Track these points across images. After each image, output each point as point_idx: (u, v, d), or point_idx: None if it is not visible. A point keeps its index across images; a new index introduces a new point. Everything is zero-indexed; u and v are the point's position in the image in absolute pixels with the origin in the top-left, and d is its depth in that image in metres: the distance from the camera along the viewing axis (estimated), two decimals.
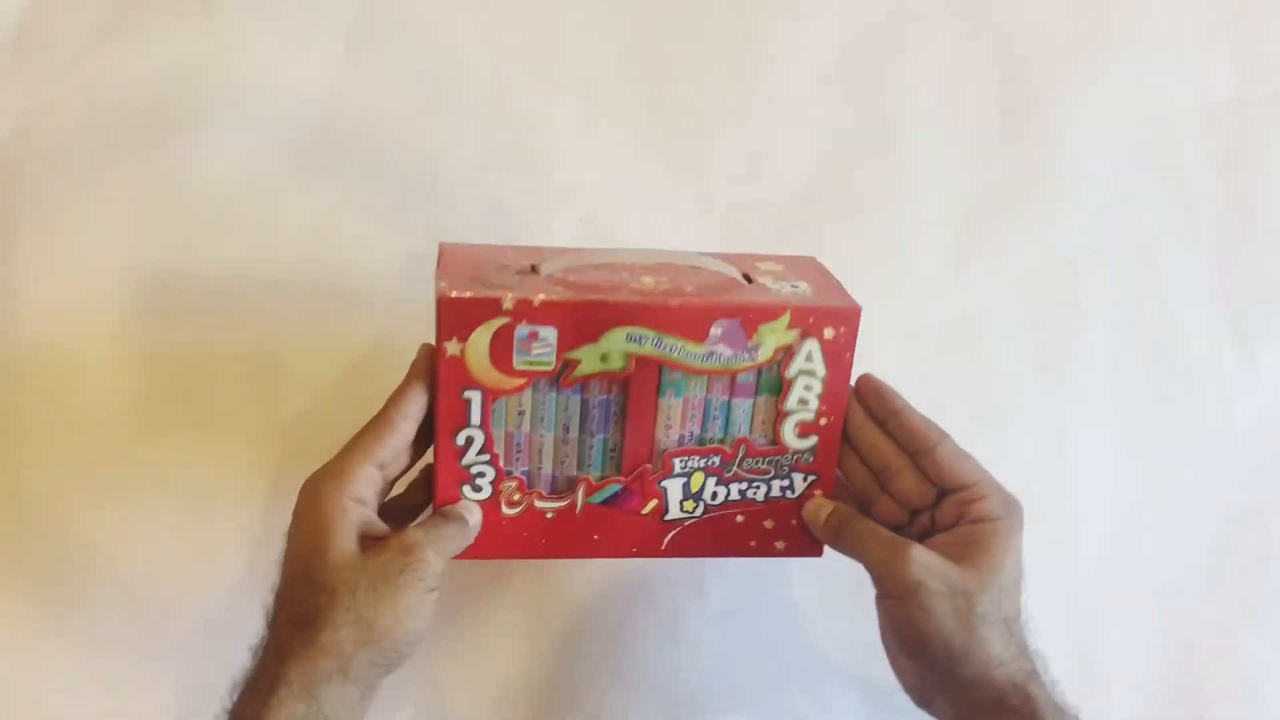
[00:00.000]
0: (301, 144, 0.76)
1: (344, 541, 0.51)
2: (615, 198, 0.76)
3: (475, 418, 0.56)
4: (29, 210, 0.73)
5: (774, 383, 0.59)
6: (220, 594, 0.66)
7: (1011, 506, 0.55)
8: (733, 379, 0.59)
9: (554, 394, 0.58)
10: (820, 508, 0.59)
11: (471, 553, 0.57)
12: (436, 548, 0.53)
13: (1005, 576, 0.53)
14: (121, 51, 0.77)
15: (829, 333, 0.58)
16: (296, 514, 0.54)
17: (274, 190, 0.74)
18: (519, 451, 0.58)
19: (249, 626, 0.65)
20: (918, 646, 0.54)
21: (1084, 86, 0.83)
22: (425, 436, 0.57)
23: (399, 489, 0.60)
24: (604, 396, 0.58)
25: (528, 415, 0.58)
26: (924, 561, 0.53)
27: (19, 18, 0.77)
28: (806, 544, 0.61)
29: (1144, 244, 0.80)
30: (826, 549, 0.60)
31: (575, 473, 0.59)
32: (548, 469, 0.59)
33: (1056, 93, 0.83)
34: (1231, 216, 0.81)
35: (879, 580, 0.55)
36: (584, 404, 0.58)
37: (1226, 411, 0.77)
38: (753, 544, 0.60)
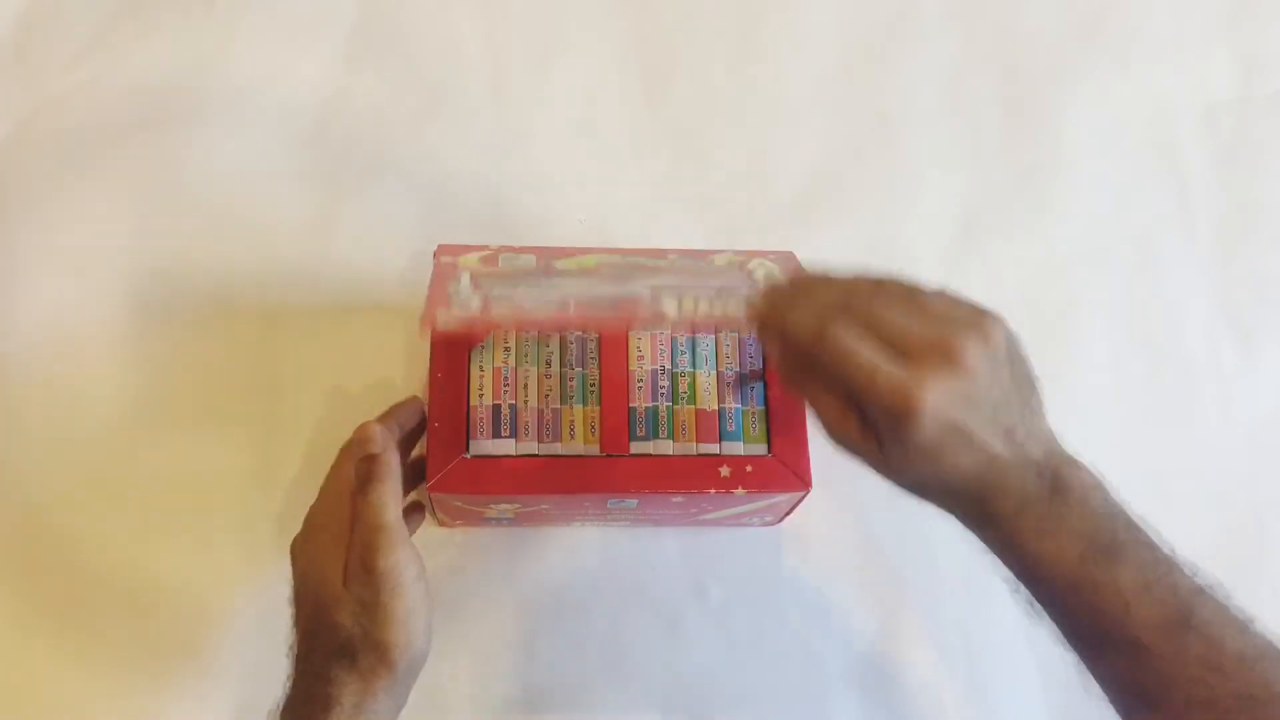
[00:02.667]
0: (301, 144, 0.76)
1: (339, 582, 0.53)
2: (614, 197, 0.76)
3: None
4: (29, 210, 0.73)
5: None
6: (220, 594, 0.66)
7: (893, 403, 0.48)
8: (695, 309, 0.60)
9: (536, 333, 0.63)
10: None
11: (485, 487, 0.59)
12: (384, 545, 0.52)
13: (916, 464, 0.46)
14: (121, 51, 0.77)
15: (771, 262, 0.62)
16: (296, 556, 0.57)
17: (274, 190, 0.74)
18: (507, 385, 0.61)
19: (249, 626, 0.65)
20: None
21: (1084, 86, 0.83)
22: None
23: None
24: (580, 334, 0.63)
25: (513, 352, 0.62)
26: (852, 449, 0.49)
27: (19, 18, 0.77)
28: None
29: (1144, 244, 0.80)
30: (825, 530, 0.60)
31: (559, 405, 0.62)
32: (534, 402, 0.62)
33: (1056, 92, 0.83)
34: (1231, 216, 0.81)
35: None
36: (563, 341, 0.63)
37: (1226, 411, 0.77)
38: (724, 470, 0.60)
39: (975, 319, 0.48)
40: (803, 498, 0.62)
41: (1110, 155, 0.82)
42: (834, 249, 0.67)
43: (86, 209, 0.73)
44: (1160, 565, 0.47)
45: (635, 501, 0.62)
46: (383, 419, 0.59)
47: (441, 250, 0.63)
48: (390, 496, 0.54)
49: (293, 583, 0.57)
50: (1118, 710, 0.48)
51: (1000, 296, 0.81)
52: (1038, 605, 0.49)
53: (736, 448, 0.61)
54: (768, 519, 0.68)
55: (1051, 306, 0.78)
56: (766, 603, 0.69)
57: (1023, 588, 0.49)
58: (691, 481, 0.60)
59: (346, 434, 0.70)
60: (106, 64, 0.76)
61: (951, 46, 0.83)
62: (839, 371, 0.46)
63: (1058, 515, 0.47)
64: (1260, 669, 0.45)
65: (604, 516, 0.67)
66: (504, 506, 0.63)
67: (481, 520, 0.66)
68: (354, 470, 0.55)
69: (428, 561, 0.58)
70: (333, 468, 0.58)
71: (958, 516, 0.49)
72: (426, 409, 0.61)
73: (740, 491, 0.60)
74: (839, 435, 0.48)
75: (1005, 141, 0.81)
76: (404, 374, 0.71)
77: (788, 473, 0.61)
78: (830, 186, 0.66)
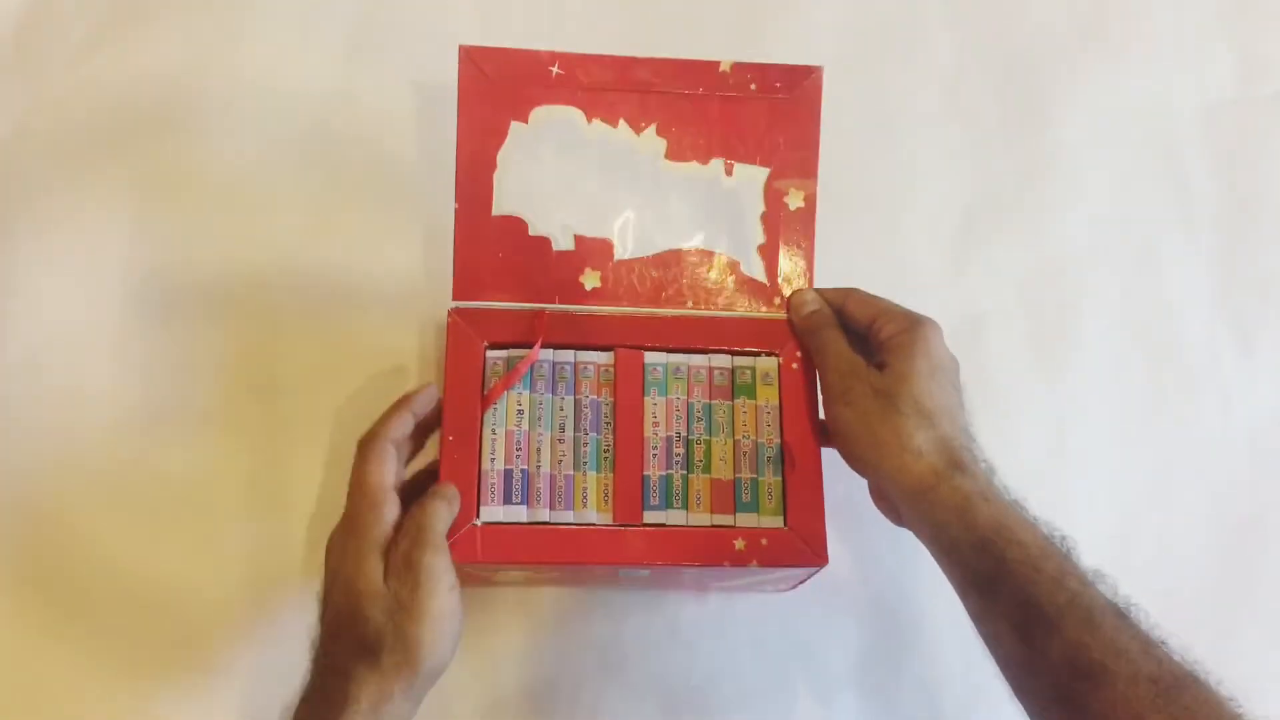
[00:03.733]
0: (301, 144, 0.76)
1: (377, 577, 0.53)
2: (612, 214, 0.76)
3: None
4: (29, 210, 0.73)
5: (748, 387, 0.63)
6: (220, 593, 0.66)
7: (918, 322, 0.60)
8: (710, 380, 0.63)
9: (549, 395, 0.62)
10: (805, 303, 0.64)
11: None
12: (431, 545, 0.54)
13: (919, 373, 0.57)
14: (121, 51, 0.77)
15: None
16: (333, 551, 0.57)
17: (274, 190, 0.74)
18: (519, 450, 0.60)
19: (248, 625, 0.65)
20: (852, 445, 0.58)
21: (1084, 86, 0.83)
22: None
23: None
24: (595, 398, 0.62)
25: (526, 415, 0.61)
26: (857, 370, 0.59)
27: (19, 18, 0.77)
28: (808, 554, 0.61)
29: (1144, 244, 0.80)
30: (831, 558, 0.60)
31: (571, 471, 0.61)
32: (546, 467, 0.60)
33: (1057, 92, 0.83)
34: (1231, 216, 0.81)
35: (823, 385, 0.61)
36: (577, 404, 0.62)
37: (1226, 411, 0.77)
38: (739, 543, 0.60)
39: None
40: (817, 570, 0.61)
41: (1110, 155, 0.82)
42: (834, 249, 0.67)
43: (86, 209, 0.73)
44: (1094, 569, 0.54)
45: (647, 571, 0.62)
46: (399, 407, 0.59)
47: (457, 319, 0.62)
48: (448, 515, 0.56)
49: (323, 577, 0.57)
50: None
51: (1000, 296, 0.81)
52: (1000, 570, 0.53)
53: (751, 519, 0.61)
54: (781, 587, 0.68)
55: (1051, 306, 0.78)
56: (766, 602, 0.69)
57: (982, 555, 0.53)
58: (705, 554, 0.59)
59: (346, 433, 0.70)
60: (106, 64, 0.76)
61: (951, 46, 0.83)
62: (870, 305, 0.61)
63: (1014, 499, 0.56)
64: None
65: (615, 583, 0.67)
66: (514, 573, 0.63)
67: (491, 583, 0.66)
68: (394, 482, 0.56)
69: None
70: (365, 464, 0.56)
71: (918, 475, 0.56)
72: (438, 468, 0.60)
73: (754, 565, 0.59)
74: (851, 362, 0.59)
75: (1005, 141, 0.81)
76: (404, 373, 0.71)
77: (803, 547, 0.60)
78: (830, 186, 0.66)
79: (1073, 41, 0.84)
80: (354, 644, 0.52)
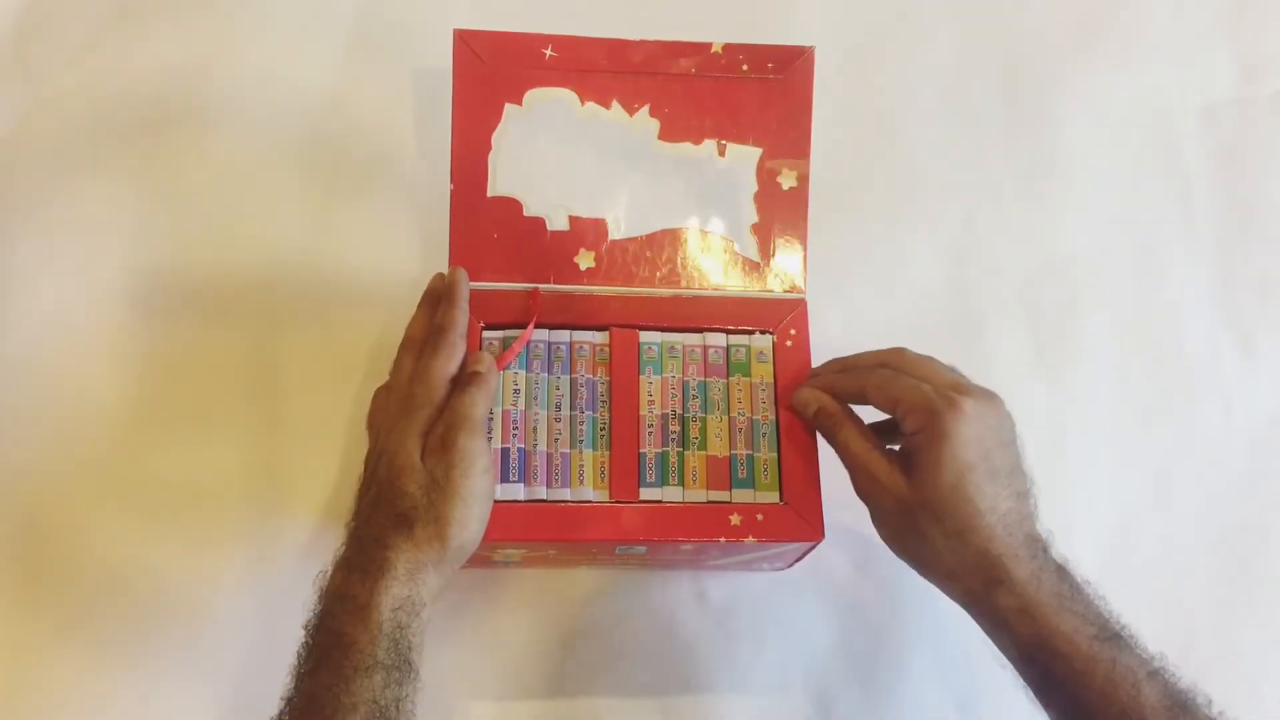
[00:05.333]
0: (301, 144, 0.76)
1: (417, 456, 0.55)
2: (606, 195, 0.76)
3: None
4: (29, 210, 0.73)
5: (743, 365, 0.64)
6: (220, 593, 0.66)
7: (932, 415, 0.55)
8: (705, 358, 0.63)
9: (545, 374, 0.62)
10: (809, 403, 0.61)
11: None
12: (466, 429, 0.55)
13: (944, 486, 0.54)
14: (121, 51, 0.77)
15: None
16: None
17: (274, 190, 0.74)
18: (516, 428, 0.61)
19: (248, 625, 0.65)
20: (883, 538, 0.59)
21: (1084, 86, 0.83)
22: None
23: None
24: (590, 377, 0.63)
25: (523, 394, 0.62)
26: (881, 479, 0.57)
27: (19, 18, 0.77)
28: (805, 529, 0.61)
29: (1144, 243, 0.80)
30: (827, 537, 0.60)
31: (568, 449, 0.61)
32: (543, 446, 0.61)
33: (1057, 92, 0.83)
34: (1231, 216, 0.81)
35: (851, 477, 0.59)
36: (573, 383, 0.63)
37: (1226, 411, 0.77)
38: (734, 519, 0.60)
39: (989, 391, 0.57)
40: (814, 546, 0.62)
41: (1110, 155, 0.82)
42: (834, 250, 0.67)
43: (86, 209, 0.73)
44: (1154, 658, 0.53)
45: (644, 548, 0.62)
46: (453, 300, 0.60)
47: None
48: (485, 401, 0.57)
49: (368, 451, 0.60)
50: None
51: (1000, 297, 0.81)
52: (1046, 681, 0.53)
53: (747, 495, 0.61)
54: (778, 565, 0.68)
55: (1051, 306, 0.78)
56: (766, 602, 0.69)
57: (1029, 666, 0.54)
58: (701, 529, 0.60)
59: (347, 434, 0.70)
60: (106, 64, 0.76)
61: (951, 46, 0.83)
62: (887, 393, 0.57)
63: (1069, 595, 0.54)
64: None
65: (612, 561, 0.66)
66: (511, 551, 0.63)
67: (489, 563, 0.66)
68: (455, 373, 0.58)
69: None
70: (436, 357, 0.58)
71: (958, 591, 0.56)
72: None
73: (750, 540, 0.59)
74: (869, 470, 0.57)
75: (1005, 141, 0.81)
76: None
77: (800, 521, 0.60)
78: (830, 186, 0.66)
79: (1073, 41, 0.84)
80: (392, 515, 0.54)
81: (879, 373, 0.58)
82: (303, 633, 0.53)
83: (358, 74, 0.77)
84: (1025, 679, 0.55)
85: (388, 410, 0.59)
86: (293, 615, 0.65)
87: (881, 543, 0.60)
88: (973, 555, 0.54)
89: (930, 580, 0.58)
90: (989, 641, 0.56)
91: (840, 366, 0.61)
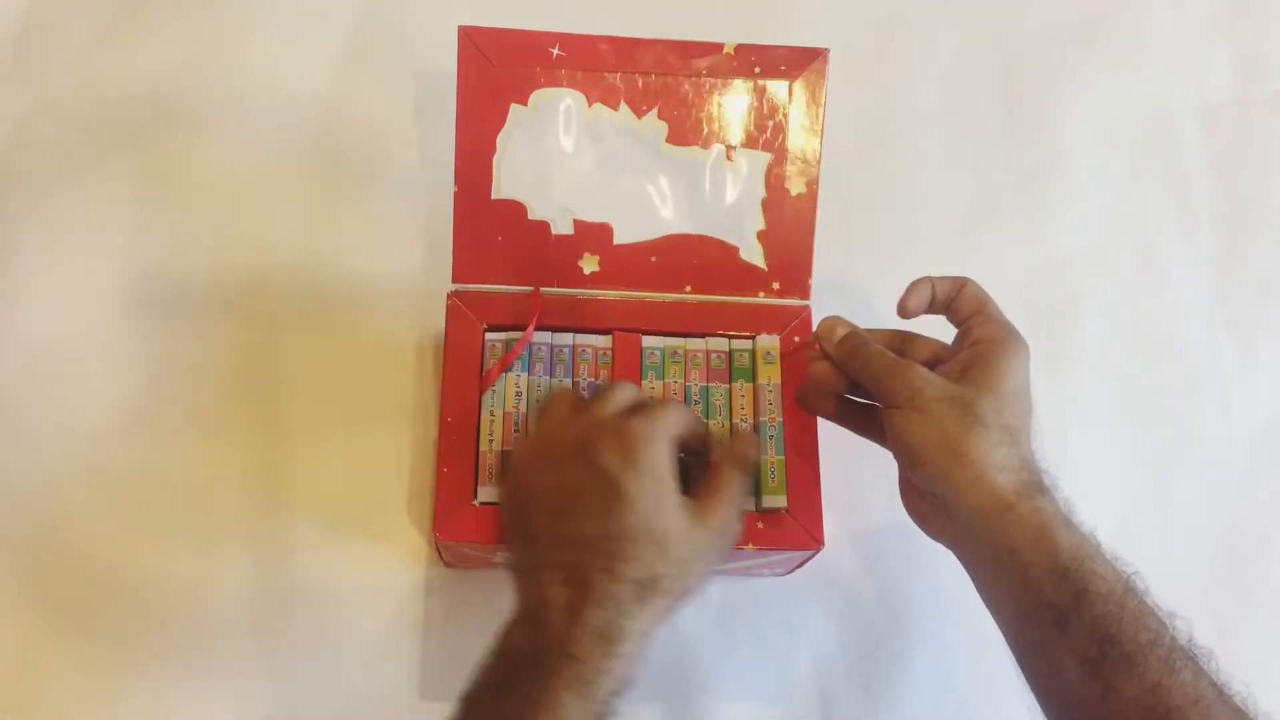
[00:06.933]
0: (301, 144, 0.76)
1: (681, 512, 0.52)
2: (612, 198, 0.76)
3: None
4: (29, 211, 0.73)
5: (746, 371, 0.63)
6: (220, 593, 0.66)
7: (1013, 334, 0.57)
8: (708, 364, 0.63)
9: (547, 377, 0.62)
10: (835, 327, 0.59)
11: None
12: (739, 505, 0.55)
13: (1005, 388, 0.54)
14: (121, 51, 0.77)
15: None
16: (637, 467, 0.52)
17: (274, 190, 0.74)
18: (518, 430, 0.61)
19: (249, 625, 0.65)
20: (920, 451, 0.54)
21: (1084, 86, 0.83)
22: None
23: None
24: (593, 381, 0.62)
25: (524, 397, 0.61)
26: (924, 375, 0.55)
27: (19, 18, 0.77)
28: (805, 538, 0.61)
29: (1144, 244, 0.80)
30: (826, 540, 0.60)
31: None
32: None
33: (1056, 92, 0.83)
34: (1231, 216, 0.81)
35: (882, 395, 0.56)
36: (575, 387, 0.62)
37: (1226, 411, 0.77)
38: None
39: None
40: (814, 554, 0.61)
41: (1110, 155, 0.82)
42: (833, 249, 0.67)
43: (87, 210, 0.73)
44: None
45: None
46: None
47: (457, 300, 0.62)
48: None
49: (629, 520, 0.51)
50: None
51: (1000, 296, 0.81)
52: (1081, 600, 0.50)
53: (749, 503, 0.60)
54: (778, 571, 0.67)
55: (1051, 306, 0.78)
56: (766, 601, 0.69)
57: (1064, 582, 0.51)
58: None
59: (347, 433, 0.70)
60: (106, 64, 0.76)
61: (951, 46, 0.83)
62: (973, 303, 0.58)
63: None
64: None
65: None
66: None
67: (489, 564, 0.66)
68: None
69: (431, 601, 0.64)
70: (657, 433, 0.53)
71: (988, 499, 0.52)
72: (437, 449, 0.60)
73: (750, 548, 0.59)
74: (907, 372, 0.55)
75: (1005, 141, 0.81)
76: (405, 372, 0.71)
77: (800, 530, 0.60)
78: (830, 187, 0.66)
79: (1073, 41, 0.84)
80: (642, 570, 0.51)
81: (972, 284, 0.60)
82: None
83: (359, 74, 0.77)
84: (1039, 608, 0.51)
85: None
86: (292, 615, 0.65)
87: (881, 543, 0.60)
88: (1023, 456, 0.54)
89: (956, 492, 0.53)
90: (988, 644, 0.55)
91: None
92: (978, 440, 0.53)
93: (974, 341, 0.57)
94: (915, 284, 0.60)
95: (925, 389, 0.54)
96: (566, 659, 0.49)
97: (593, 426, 0.53)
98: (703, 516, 0.53)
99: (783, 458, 0.61)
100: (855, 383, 0.59)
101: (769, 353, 0.63)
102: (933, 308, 0.60)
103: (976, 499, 0.53)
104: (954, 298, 0.60)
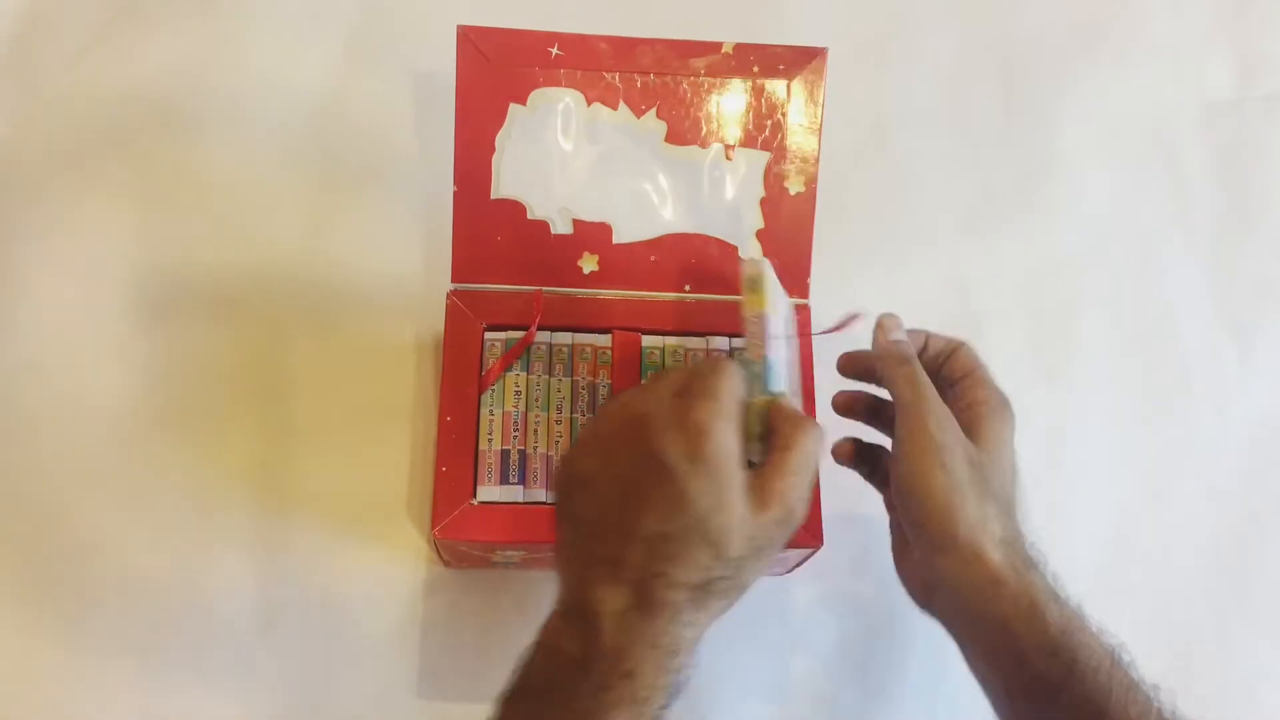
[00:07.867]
0: (302, 144, 0.76)
1: (743, 501, 0.47)
2: (611, 198, 0.76)
3: None
4: (29, 211, 0.73)
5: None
6: (220, 593, 0.66)
7: (1006, 402, 0.57)
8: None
9: (547, 376, 0.62)
10: (895, 327, 0.57)
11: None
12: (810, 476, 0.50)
13: (1002, 455, 0.55)
14: (121, 51, 0.77)
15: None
16: (699, 460, 0.47)
17: (274, 190, 0.74)
18: (516, 430, 0.61)
19: (248, 624, 0.65)
20: (929, 514, 0.52)
21: (1083, 86, 0.83)
22: None
23: None
24: (592, 380, 0.63)
25: (524, 396, 0.62)
26: (955, 431, 0.53)
27: (19, 18, 0.77)
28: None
29: (1144, 244, 0.80)
30: (826, 539, 0.60)
31: None
32: (543, 448, 0.61)
33: (1056, 92, 0.83)
34: (1231, 216, 0.81)
35: (908, 437, 0.54)
36: (574, 386, 0.63)
37: (1224, 411, 0.77)
38: None
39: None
40: (813, 552, 0.61)
41: (1109, 155, 0.82)
42: (833, 249, 0.67)
43: (87, 210, 0.73)
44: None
45: None
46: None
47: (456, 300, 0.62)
48: None
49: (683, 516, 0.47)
50: None
51: (1000, 296, 0.81)
52: (1071, 673, 0.51)
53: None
54: (777, 570, 0.67)
55: (1051, 306, 0.78)
56: (766, 601, 0.69)
57: (1054, 658, 0.51)
58: None
59: (347, 434, 0.70)
60: (106, 64, 0.76)
61: (950, 47, 0.83)
62: (966, 364, 0.57)
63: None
64: None
65: None
66: (511, 552, 0.63)
67: (489, 563, 0.66)
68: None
69: (431, 601, 0.64)
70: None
71: (992, 566, 0.52)
72: (436, 448, 0.60)
73: None
74: (950, 427, 0.53)
75: (1005, 141, 0.81)
76: (405, 372, 0.71)
77: (799, 529, 0.60)
78: (829, 188, 0.66)
79: (1072, 41, 0.84)
80: (698, 574, 0.47)
81: (966, 347, 0.59)
82: None
83: (359, 74, 0.77)
84: (1031, 682, 0.51)
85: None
86: (292, 615, 0.65)
87: (881, 543, 0.60)
88: (1015, 532, 0.53)
89: (955, 561, 0.53)
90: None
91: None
92: (982, 512, 0.52)
93: (968, 404, 0.56)
94: (910, 330, 0.58)
95: (955, 449, 0.53)
96: (622, 677, 0.45)
97: (655, 411, 0.48)
98: (765, 504, 0.48)
99: None
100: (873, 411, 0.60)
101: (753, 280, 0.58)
102: (921, 359, 0.58)
103: (976, 572, 0.52)
104: (948, 356, 0.58)
